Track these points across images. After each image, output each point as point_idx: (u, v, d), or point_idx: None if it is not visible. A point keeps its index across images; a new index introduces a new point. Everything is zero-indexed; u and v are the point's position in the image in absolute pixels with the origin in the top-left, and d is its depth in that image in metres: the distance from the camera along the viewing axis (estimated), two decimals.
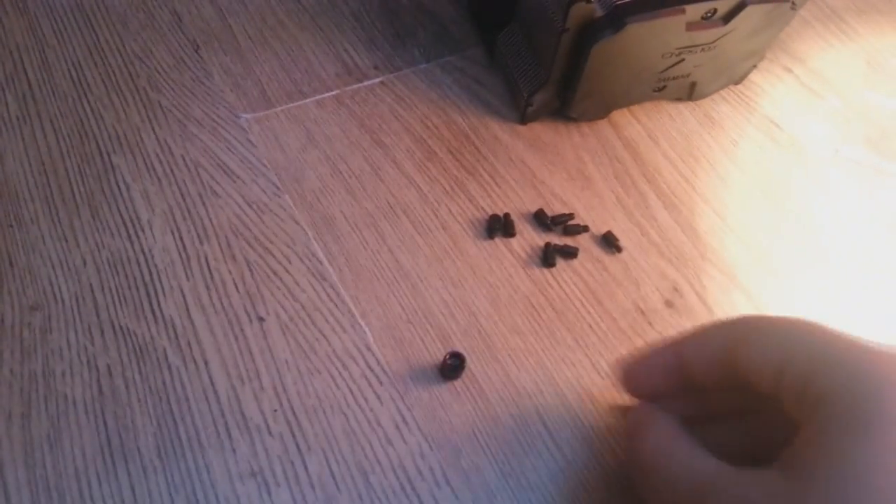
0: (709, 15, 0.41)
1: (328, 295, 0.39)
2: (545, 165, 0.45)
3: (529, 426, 0.36)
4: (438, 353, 0.37)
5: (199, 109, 0.45)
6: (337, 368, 0.36)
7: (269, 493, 0.33)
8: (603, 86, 0.44)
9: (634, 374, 0.32)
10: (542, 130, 0.47)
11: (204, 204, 0.41)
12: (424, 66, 0.49)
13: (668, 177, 0.45)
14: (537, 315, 0.39)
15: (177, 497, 0.33)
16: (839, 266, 0.43)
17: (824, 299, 0.41)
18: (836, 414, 0.23)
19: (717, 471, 0.26)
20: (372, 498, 0.33)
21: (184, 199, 0.42)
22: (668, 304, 0.40)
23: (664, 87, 0.46)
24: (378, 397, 0.36)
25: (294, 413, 0.35)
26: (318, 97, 0.47)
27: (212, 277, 0.39)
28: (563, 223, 0.42)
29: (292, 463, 0.34)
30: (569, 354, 0.38)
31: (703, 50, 0.43)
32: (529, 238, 0.42)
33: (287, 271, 0.39)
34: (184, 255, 0.39)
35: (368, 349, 0.37)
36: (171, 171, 0.43)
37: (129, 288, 0.38)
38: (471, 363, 0.37)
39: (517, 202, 0.43)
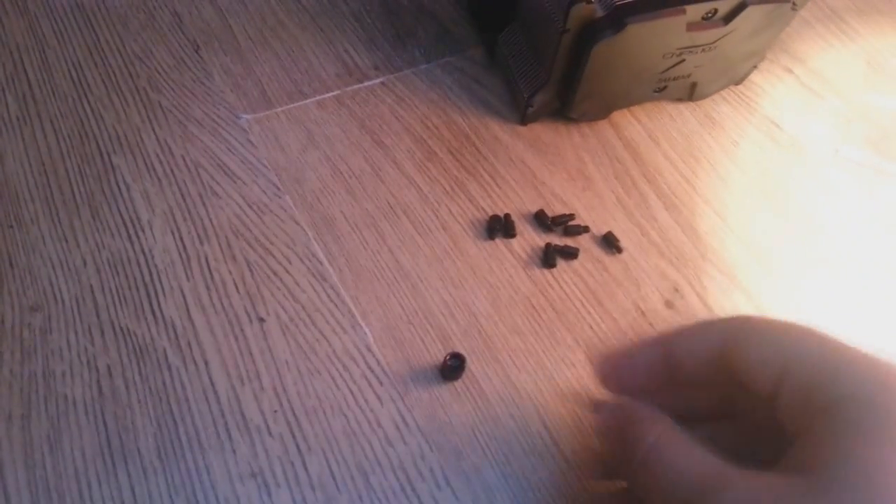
0: (709, 15, 0.41)
1: (328, 295, 0.39)
2: (546, 166, 0.45)
3: (530, 427, 0.36)
4: (439, 354, 0.37)
5: (200, 110, 0.45)
6: (337, 369, 0.36)
7: (270, 494, 0.33)
8: (603, 86, 0.44)
9: (617, 368, 0.31)
10: (542, 131, 0.47)
11: (204, 204, 0.41)
12: (425, 67, 0.49)
13: (668, 177, 0.45)
14: (538, 315, 0.39)
15: (177, 498, 0.32)
16: (840, 266, 0.43)
17: (825, 299, 0.41)
18: (850, 419, 0.23)
19: (721, 471, 0.25)
20: (372, 499, 0.33)
21: (184, 200, 0.41)
22: (669, 304, 0.40)
23: (665, 87, 0.46)
24: (378, 398, 0.36)
25: (294, 414, 0.35)
26: (318, 97, 0.47)
27: (212, 278, 0.39)
28: (563, 224, 0.42)
29: (292, 464, 0.34)
30: (569, 355, 0.38)
31: (703, 50, 0.43)
32: (530, 238, 0.42)
33: (287, 272, 0.39)
34: (184, 256, 0.39)
35: (369, 350, 0.37)
36: (172, 171, 0.43)
37: (130, 288, 0.38)
38: (471, 364, 0.37)
39: (518, 203, 0.43)
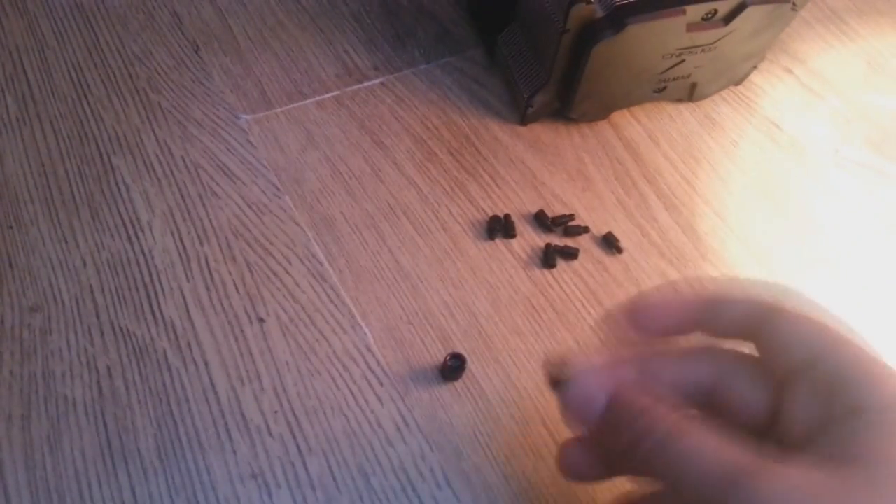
0: (709, 16, 0.41)
1: (328, 296, 0.39)
2: (545, 166, 0.45)
3: (530, 427, 0.36)
4: (439, 354, 0.37)
5: (199, 110, 0.45)
6: (337, 369, 0.36)
7: (270, 495, 0.33)
8: (603, 87, 0.44)
9: (649, 307, 0.29)
10: (542, 131, 0.47)
11: (204, 205, 0.41)
12: (424, 67, 0.49)
13: (668, 178, 0.45)
14: (538, 316, 0.39)
15: (177, 499, 0.32)
16: (840, 266, 0.43)
17: (825, 299, 0.41)
18: (888, 424, 0.23)
19: (750, 460, 0.23)
20: (373, 499, 0.33)
21: (184, 200, 0.41)
22: None
23: (664, 87, 0.46)
24: (379, 398, 0.36)
25: (294, 414, 0.35)
26: (318, 98, 0.47)
27: (212, 278, 0.39)
28: (563, 224, 0.42)
29: (293, 464, 0.34)
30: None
31: (703, 51, 0.43)
32: (530, 239, 0.42)
33: (287, 272, 0.39)
34: (184, 256, 0.39)
35: (369, 350, 0.37)
36: (171, 172, 0.43)
37: (129, 289, 0.38)
38: (471, 364, 0.37)
39: (517, 203, 0.43)
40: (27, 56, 0.47)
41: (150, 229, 0.40)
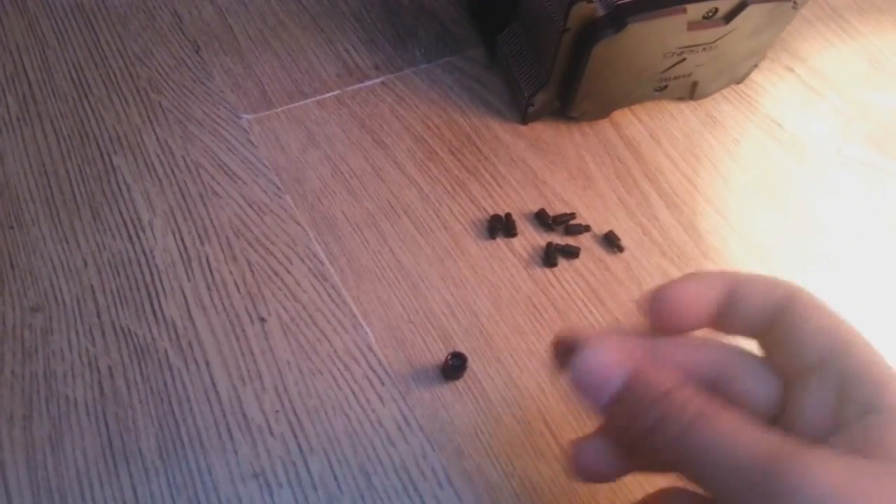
0: (710, 14, 0.41)
1: (329, 295, 0.39)
2: (546, 165, 0.45)
3: (532, 426, 0.35)
4: (440, 354, 0.37)
5: (200, 110, 0.45)
6: (339, 369, 0.36)
7: (272, 494, 0.33)
8: (604, 85, 0.44)
9: (679, 297, 0.27)
10: (543, 130, 0.47)
11: (205, 204, 0.41)
12: (425, 67, 0.49)
13: (669, 176, 0.45)
14: (539, 315, 0.39)
15: (179, 498, 0.32)
16: (841, 265, 0.43)
17: (826, 298, 0.41)
18: None
19: (789, 448, 0.22)
20: (374, 499, 0.33)
21: (185, 200, 0.41)
22: None
23: (665, 86, 0.46)
24: (380, 398, 0.36)
25: (296, 414, 0.35)
26: (318, 97, 0.47)
27: (213, 278, 0.39)
28: (564, 223, 0.42)
29: (294, 464, 0.34)
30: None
31: (704, 49, 0.43)
32: (531, 238, 0.42)
33: (288, 272, 0.39)
34: (185, 256, 0.39)
35: (370, 349, 0.37)
36: (172, 171, 0.43)
37: (130, 289, 0.38)
38: (473, 363, 0.37)
39: (518, 202, 0.43)
40: (28, 56, 0.47)
41: (151, 229, 0.40)
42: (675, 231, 0.43)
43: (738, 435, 0.22)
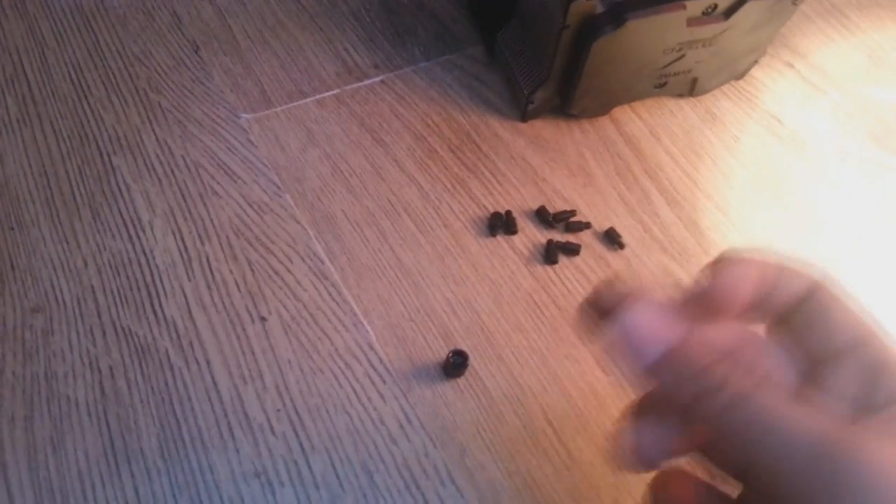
0: (709, 10, 0.41)
1: (330, 294, 0.39)
2: (546, 162, 0.45)
3: (534, 423, 0.35)
4: (441, 352, 0.37)
5: (199, 110, 0.45)
6: (340, 367, 0.36)
7: (274, 493, 0.33)
8: (603, 82, 0.44)
9: (730, 282, 0.26)
10: (543, 128, 0.46)
11: (205, 204, 0.41)
12: (425, 65, 0.49)
13: (670, 173, 0.45)
14: (540, 312, 0.39)
15: (181, 498, 0.32)
16: (842, 261, 0.43)
17: None
18: None
19: (844, 428, 0.21)
20: (377, 497, 0.33)
21: (184, 200, 0.41)
22: None
23: (665, 83, 0.46)
24: (381, 396, 0.36)
25: (297, 412, 0.35)
26: (318, 96, 0.47)
27: (213, 277, 0.39)
28: (564, 220, 0.42)
29: (296, 462, 0.34)
30: (572, 351, 0.38)
31: (703, 45, 0.43)
32: (531, 235, 0.42)
33: (289, 271, 0.39)
34: (185, 256, 0.39)
35: (371, 348, 0.37)
36: (172, 171, 0.42)
37: (131, 289, 0.38)
38: (474, 361, 0.37)
39: (519, 199, 0.43)
40: (27, 57, 0.47)
41: (152, 229, 0.40)
42: (676, 227, 0.43)
43: (790, 412, 0.22)
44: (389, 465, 0.34)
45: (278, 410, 0.35)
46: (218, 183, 0.42)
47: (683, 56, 0.44)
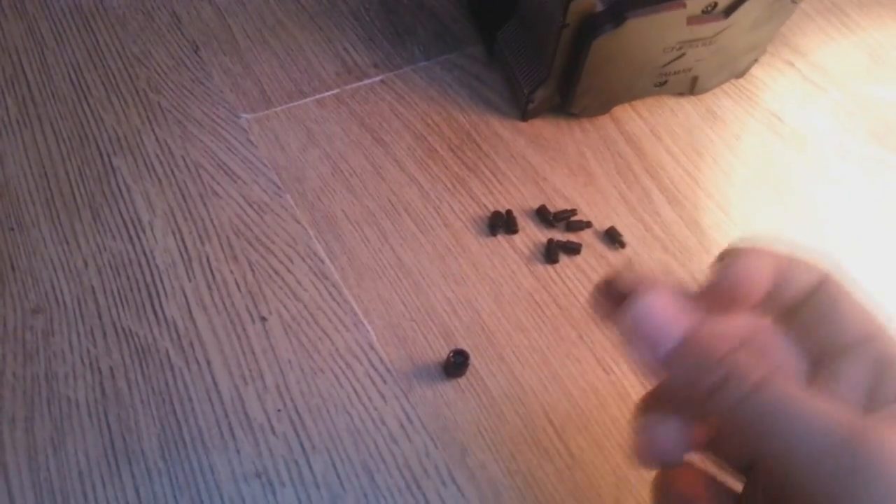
0: (709, 9, 0.41)
1: (330, 294, 0.39)
2: (547, 162, 0.45)
3: (535, 423, 0.35)
4: (442, 351, 0.37)
5: (199, 110, 0.45)
6: (340, 367, 0.36)
7: (274, 494, 0.33)
8: (604, 81, 0.44)
9: (746, 274, 0.25)
10: (543, 127, 0.46)
11: (205, 204, 0.41)
12: (424, 64, 0.49)
13: (670, 172, 0.45)
14: (541, 311, 0.39)
15: (181, 498, 0.32)
16: (842, 259, 0.42)
17: None
18: None
19: (860, 418, 0.21)
20: (377, 497, 0.33)
21: (185, 200, 0.41)
22: None
23: (665, 81, 0.46)
24: (382, 396, 0.36)
25: (298, 412, 0.35)
26: (318, 96, 0.47)
27: (213, 278, 0.39)
28: (565, 219, 0.42)
29: (297, 462, 0.34)
30: (573, 351, 0.38)
31: (704, 44, 0.43)
32: (532, 234, 0.42)
33: (289, 271, 0.39)
34: (185, 256, 0.39)
35: (371, 348, 0.37)
36: (172, 172, 0.42)
37: (131, 289, 0.38)
38: (475, 361, 0.37)
39: (519, 199, 0.43)
40: (27, 58, 0.47)
41: (152, 229, 0.40)
42: (677, 226, 0.43)
43: (809, 401, 0.21)
44: (390, 464, 0.34)
45: (279, 410, 0.35)
46: (218, 183, 0.42)
47: (684, 54, 0.44)
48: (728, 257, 0.26)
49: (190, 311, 0.37)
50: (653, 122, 0.47)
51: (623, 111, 0.48)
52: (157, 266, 0.39)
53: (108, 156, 0.43)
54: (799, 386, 0.22)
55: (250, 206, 0.41)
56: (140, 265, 0.39)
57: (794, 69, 0.51)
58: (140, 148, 0.43)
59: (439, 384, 0.36)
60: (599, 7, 0.40)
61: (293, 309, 0.38)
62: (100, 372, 0.35)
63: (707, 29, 0.42)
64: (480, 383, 0.36)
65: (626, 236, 0.42)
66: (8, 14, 0.49)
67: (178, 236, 0.40)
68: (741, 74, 0.49)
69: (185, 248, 0.40)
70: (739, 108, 0.49)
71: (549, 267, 0.41)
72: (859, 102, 0.50)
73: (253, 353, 0.36)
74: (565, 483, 0.34)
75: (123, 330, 0.37)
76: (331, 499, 0.33)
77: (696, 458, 0.26)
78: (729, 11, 0.42)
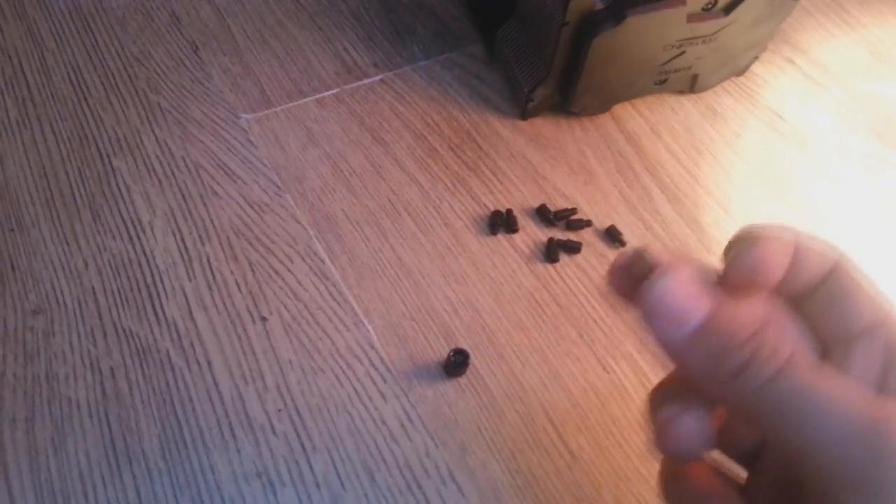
0: (710, 6, 0.41)
1: (331, 293, 0.39)
2: (547, 160, 0.45)
3: (535, 422, 0.35)
4: (442, 351, 0.37)
5: (199, 110, 0.45)
6: (341, 367, 0.36)
7: (275, 493, 0.33)
8: (604, 79, 0.44)
9: (774, 250, 0.24)
10: (543, 125, 0.46)
11: (205, 205, 0.41)
12: (424, 63, 0.49)
13: (671, 170, 0.45)
14: (541, 311, 0.39)
15: (182, 498, 0.32)
16: None
17: None
18: None
19: (884, 401, 0.21)
20: (378, 496, 0.33)
21: (185, 201, 0.41)
22: None
23: (666, 79, 0.46)
24: (382, 395, 0.36)
25: (298, 412, 0.35)
26: (317, 96, 0.47)
27: (214, 278, 0.39)
28: (565, 218, 0.42)
29: (297, 462, 0.34)
30: (573, 350, 0.38)
31: (704, 42, 0.43)
32: (532, 233, 0.42)
33: (289, 270, 0.39)
34: (185, 257, 0.39)
35: (372, 347, 0.37)
36: (172, 172, 0.42)
37: (132, 290, 0.38)
38: (475, 360, 0.37)
39: (519, 198, 0.43)
40: (26, 59, 0.47)
41: (152, 230, 0.40)
42: (678, 225, 0.43)
43: (835, 387, 0.21)
44: (391, 464, 0.34)
45: (279, 410, 0.35)
46: (218, 183, 0.42)
47: (684, 52, 0.44)
48: (744, 242, 0.25)
49: (190, 312, 0.38)
50: (653, 120, 0.47)
51: (623, 109, 0.48)
52: (157, 266, 0.39)
53: (108, 156, 0.43)
54: (819, 371, 0.21)
55: (250, 206, 0.41)
56: (140, 265, 0.39)
57: (795, 66, 0.51)
58: (140, 148, 0.43)
59: (439, 383, 0.36)
60: (599, 5, 0.40)
61: (293, 309, 0.38)
62: (100, 372, 0.35)
63: (707, 26, 0.42)
64: (481, 382, 0.36)
65: (627, 235, 0.42)
66: (7, 15, 0.49)
67: (178, 236, 0.40)
68: (741, 72, 0.49)
69: (186, 248, 0.40)
70: (740, 105, 0.49)
71: (549, 266, 0.40)
72: (860, 100, 0.49)
73: (253, 353, 0.36)
74: (565, 482, 0.34)
75: (124, 330, 0.37)
76: (331, 498, 0.33)
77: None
78: (729, 9, 0.42)
